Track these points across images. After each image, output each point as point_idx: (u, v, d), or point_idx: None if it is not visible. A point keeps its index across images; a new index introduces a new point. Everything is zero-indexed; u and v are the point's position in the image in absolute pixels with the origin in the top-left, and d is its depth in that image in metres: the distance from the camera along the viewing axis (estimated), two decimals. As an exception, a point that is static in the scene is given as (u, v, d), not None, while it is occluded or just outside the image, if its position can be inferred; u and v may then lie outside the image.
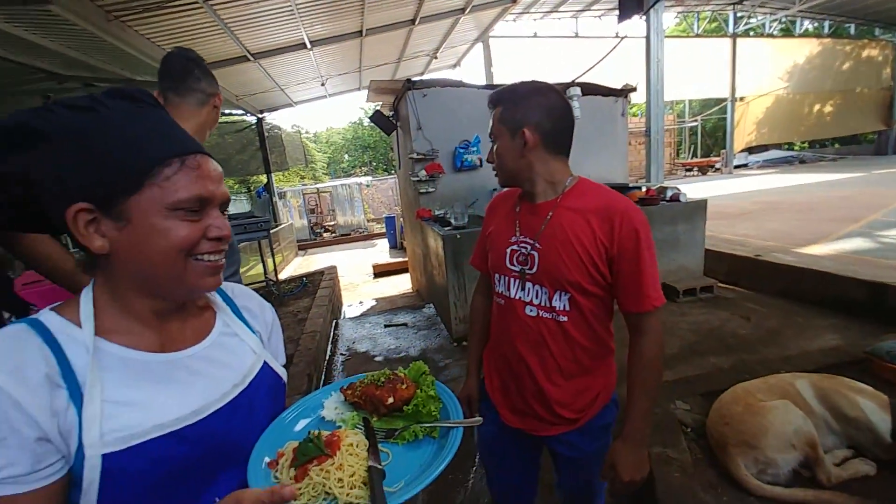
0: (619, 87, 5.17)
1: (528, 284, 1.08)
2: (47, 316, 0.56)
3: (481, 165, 4.57)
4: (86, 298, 0.58)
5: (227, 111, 8.59)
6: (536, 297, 1.08)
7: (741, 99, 18.74)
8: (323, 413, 0.72)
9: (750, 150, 20.43)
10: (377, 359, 3.68)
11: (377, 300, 5.84)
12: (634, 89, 5.21)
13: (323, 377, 3.42)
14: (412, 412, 0.71)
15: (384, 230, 11.83)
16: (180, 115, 1.36)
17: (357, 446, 0.61)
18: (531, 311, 1.09)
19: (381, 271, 8.30)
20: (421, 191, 4.51)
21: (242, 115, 9.19)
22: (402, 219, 9.21)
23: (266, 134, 9.61)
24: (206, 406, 0.60)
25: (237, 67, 6.26)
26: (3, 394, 0.48)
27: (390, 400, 0.71)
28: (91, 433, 0.51)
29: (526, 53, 12.85)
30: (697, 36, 17.68)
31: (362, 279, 8.04)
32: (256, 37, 5.65)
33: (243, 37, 5.44)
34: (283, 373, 0.74)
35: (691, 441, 2.13)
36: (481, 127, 4.49)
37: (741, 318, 3.66)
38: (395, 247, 10.71)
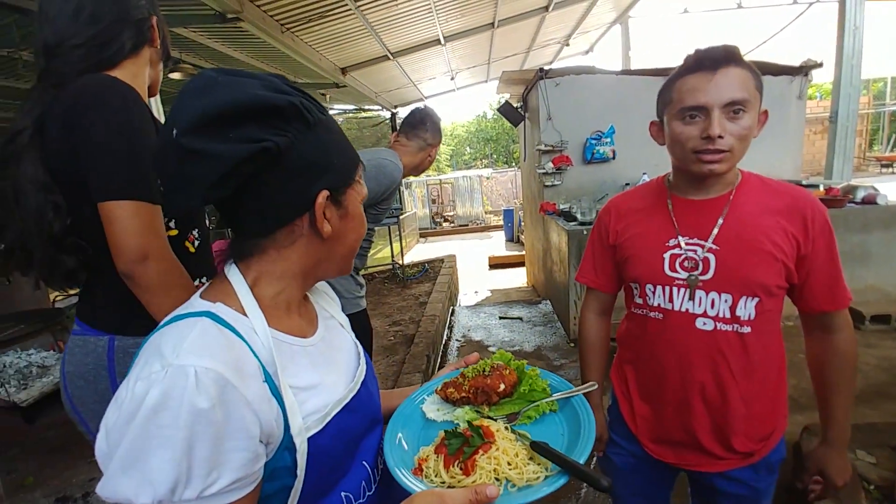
0: (796, 63, 4.31)
1: (700, 293, 0.94)
2: (215, 306, 0.53)
3: (613, 158, 4.26)
4: (241, 286, 0.55)
5: (366, 107, 9.42)
6: (712, 307, 0.93)
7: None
8: (429, 416, 0.72)
9: None
10: (491, 349, 3.72)
11: (492, 291, 5.90)
12: (819, 65, 4.28)
13: (439, 360, 3.59)
14: (526, 392, 0.71)
15: (501, 222, 11.84)
16: (405, 152, 1.76)
17: (501, 431, 0.62)
18: (705, 324, 0.94)
19: (496, 263, 8.36)
20: (546, 183, 4.38)
21: (378, 111, 9.99)
22: (521, 212, 9.10)
23: (398, 128, 10.30)
24: (358, 377, 0.65)
25: (378, 66, 6.79)
26: (235, 391, 0.45)
27: (502, 386, 0.71)
28: (296, 421, 0.51)
29: (673, 33, 11.48)
30: (914, -6, 13.75)
31: (478, 270, 8.19)
32: (396, 36, 6.04)
33: (385, 37, 5.87)
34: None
35: (874, 501, 1.73)
36: (616, 116, 4.17)
37: (962, 359, 2.81)
38: (512, 240, 10.66)
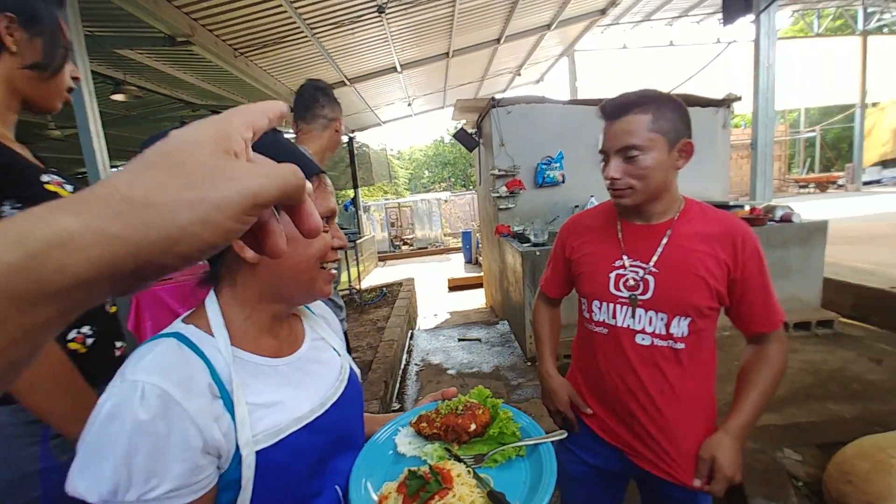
0: (719, 97, 4.78)
1: (640, 311, 1.02)
2: (186, 328, 0.57)
3: (563, 181, 4.48)
4: (213, 309, 0.59)
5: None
6: (650, 325, 1.02)
7: (874, 105, 16.18)
8: (400, 449, 0.72)
9: (884, 163, 17.47)
10: (450, 371, 3.73)
11: (451, 314, 5.93)
12: (738, 99, 4.77)
13: (398, 385, 3.54)
14: (496, 434, 0.71)
15: (460, 245, 12.00)
16: (308, 139, 1.56)
17: (462, 476, 0.62)
18: (643, 339, 1.03)
19: (455, 285, 8.41)
20: (501, 207, 4.53)
21: (336, 134, 9.98)
22: (478, 234, 9.28)
23: (356, 152, 10.34)
24: (327, 399, 0.66)
25: (335, 92, 6.83)
26: (178, 406, 0.49)
27: (473, 426, 0.70)
28: (244, 434, 0.54)
29: (614, 66, 12.36)
30: (818, 35, 15.67)
31: (437, 292, 8.20)
32: (353, 63, 6.14)
33: (342, 64, 5.95)
34: (359, 372, 0.80)
35: (803, 497, 1.86)
36: (564, 143, 4.41)
37: (870, 360, 3.12)
38: (471, 262, 10.79)
